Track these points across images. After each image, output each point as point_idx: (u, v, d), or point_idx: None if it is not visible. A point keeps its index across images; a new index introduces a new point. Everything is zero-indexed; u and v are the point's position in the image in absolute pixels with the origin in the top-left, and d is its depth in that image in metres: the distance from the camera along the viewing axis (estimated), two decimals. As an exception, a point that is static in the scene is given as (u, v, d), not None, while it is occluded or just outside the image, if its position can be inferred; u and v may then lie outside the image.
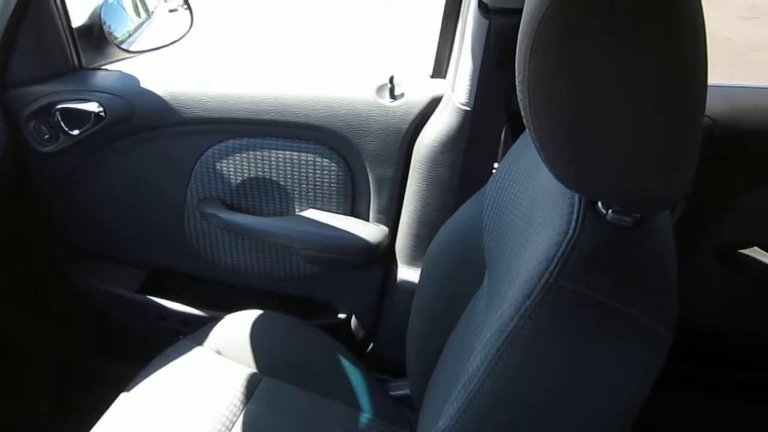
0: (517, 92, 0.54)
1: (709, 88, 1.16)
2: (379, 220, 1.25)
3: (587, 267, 0.57)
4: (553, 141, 0.54)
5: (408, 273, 1.23)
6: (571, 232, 0.59)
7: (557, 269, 0.56)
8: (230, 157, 1.25)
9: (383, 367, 1.28)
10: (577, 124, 0.52)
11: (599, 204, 0.60)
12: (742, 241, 1.16)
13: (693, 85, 0.49)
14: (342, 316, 1.35)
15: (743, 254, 1.15)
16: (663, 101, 0.49)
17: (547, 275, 0.56)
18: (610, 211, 0.60)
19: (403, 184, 1.20)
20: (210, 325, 1.15)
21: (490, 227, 0.83)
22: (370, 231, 1.23)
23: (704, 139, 1.09)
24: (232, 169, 1.26)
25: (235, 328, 1.13)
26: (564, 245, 0.58)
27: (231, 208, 1.28)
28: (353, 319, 1.35)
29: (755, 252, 1.15)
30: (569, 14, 0.47)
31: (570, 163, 0.55)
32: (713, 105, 1.08)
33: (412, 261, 1.23)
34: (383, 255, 1.25)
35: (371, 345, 1.35)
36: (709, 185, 1.13)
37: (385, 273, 1.28)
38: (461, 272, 0.91)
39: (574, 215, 0.60)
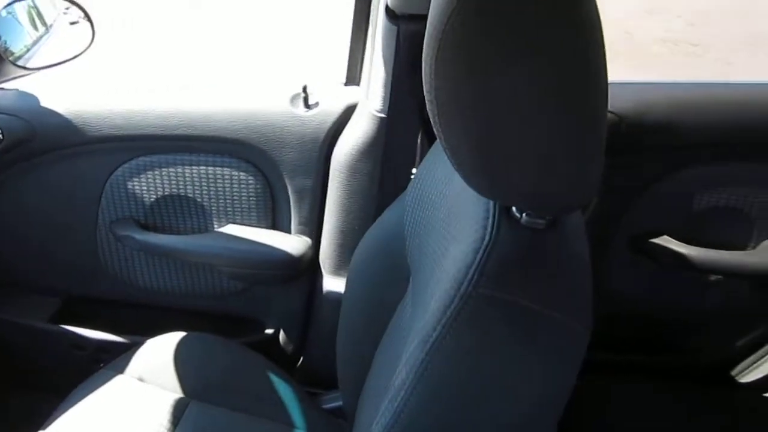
0: (426, 100, 0.54)
1: (613, 85, 1.20)
2: (301, 232, 1.23)
3: (504, 272, 0.57)
4: (462, 148, 0.55)
5: (334, 283, 1.22)
6: (487, 238, 0.59)
7: (475, 277, 0.56)
8: (142, 176, 1.20)
9: (315, 380, 1.26)
10: (485, 131, 0.52)
11: (513, 208, 0.61)
12: (653, 230, 1.20)
13: (595, 87, 0.50)
14: (269, 331, 1.32)
15: (654, 243, 1.20)
16: (567, 105, 0.49)
17: (465, 283, 0.56)
18: (524, 214, 0.61)
19: (324, 193, 1.19)
20: (131, 352, 1.10)
21: (411, 233, 0.83)
22: (292, 243, 1.21)
23: (611, 134, 1.13)
24: (144, 188, 1.21)
25: (158, 353, 1.09)
26: (481, 252, 0.58)
27: (146, 228, 1.24)
28: (281, 334, 1.32)
29: (665, 240, 1.20)
30: (471, 21, 0.47)
31: (480, 170, 0.55)
32: (618, 101, 1.12)
33: (337, 271, 1.21)
34: (307, 267, 1.23)
35: (301, 359, 1.33)
36: (619, 178, 1.17)
37: (311, 285, 1.27)
38: (386, 279, 0.91)
39: (490, 220, 0.61)
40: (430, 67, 0.51)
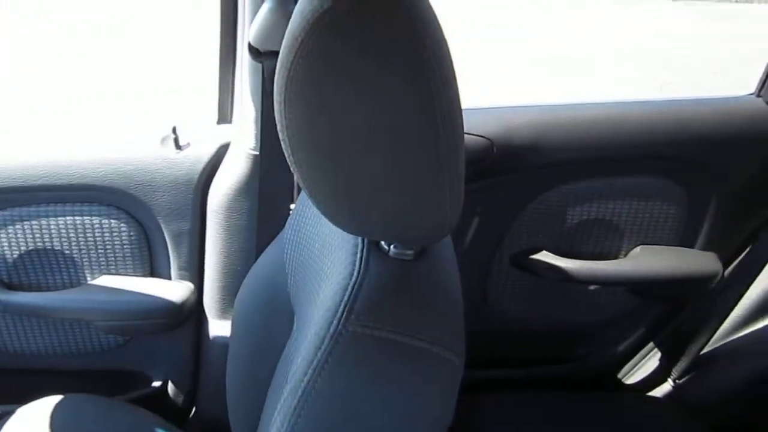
0: (281, 141, 0.53)
1: (483, 110, 1.24)
2: (182, 277, 1.18)
3: (374, 307, 0.57)
4: (319, 189, 0.54)
5: (220, 328, 1.17)
6: (356, 274, 0.58)
7: (344, 315, 0.55)
8: (2, 231, 1.11)
9: (209, 430, 1.21)
10: (340, 171, 0.51)
11: (382, 241, 0.61)
12: (532, 247, 1.25)
13: (447, 120, 0.50)
14: (157, 384, 1.26)
15: (534, 259, 1.24)
16: (420, 142, 0.49)
17: (335, 323, 0.55)
18: (391, 246, 0.60)
19: (203, 236, 1.15)
20: (1, 423, 1.01)
21: (291, 272, 0.81)
22: (173, 290, 1.16)
23: (484, 158, 1.17)
24: (6, 244, 1.12)
25: (33, 421, 1.00)
26: (350, 289, 0.57)
27: (11, 287, 1.15)
28: (170, 386, 1.26)
29: (544, 255, 1.24)
30: (316, 63, 0.47)
31: (340, 208, 0.55)
32: (489, 126, 1.16)
33: (223, 314, 1.17)
34: (192, 313, 1.18)
35: (193, 410, 1.27)
36: (497, 199, 1.21)
37: (197, 331, 1.22)
38: (271, 321, 0.88)
39: (358, 255, 0.60)
40: (281, 106, 0.50)
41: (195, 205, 1.13)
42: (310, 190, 0.54)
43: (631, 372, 1.41)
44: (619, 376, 1.42)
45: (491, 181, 1.18)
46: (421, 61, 0.47)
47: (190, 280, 1.18)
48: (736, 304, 1.25)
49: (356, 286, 0.57)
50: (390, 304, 0.58)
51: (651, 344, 1.39)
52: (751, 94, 1.24)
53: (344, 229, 0.58)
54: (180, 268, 1.17)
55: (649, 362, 1.39)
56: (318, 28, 0.46)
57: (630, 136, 1.19)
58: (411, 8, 0.47)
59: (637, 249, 1.26)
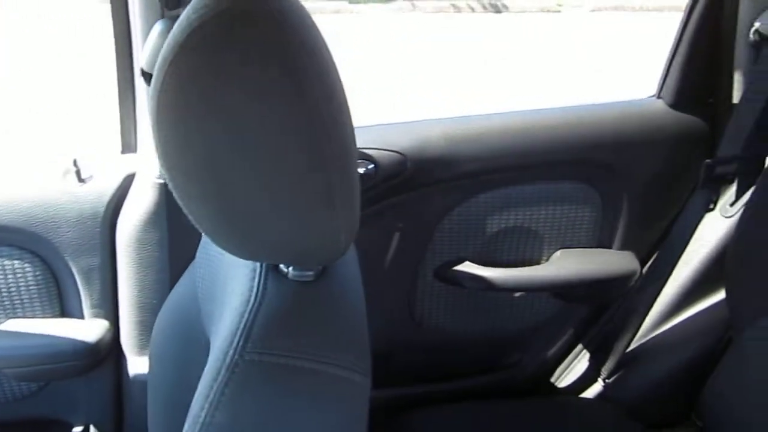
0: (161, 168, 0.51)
1: (396, 125, 1.24)
2: (96, 315, 1.13)
3: (272, 332, 0.55)
4: (203, 215, 0.52)
5: (140, 364, 1.13)
6: (252, 299, 0.56)
7: (241, 343, 0.53)
8: None
9: None
10: (222, 196, 0.49)
11: (280, 264, 0.59)
12: (455, 258, 1.25)
13: (334, 138, 0.49)
14: (78, 430, 1.20)
15: (457, 270, 1.24)
16: (302, 162, 0.48)
17: (231, 352, 0.53)
18: (290, 268, 0.59)
19: (114, 271, 1.11)
20: None
21: (203, 301, 0.78)
22: (86, 329, 1.11)
23: (399, 173, 1.17)
24: None
25: None
26: (246, 316, 0.55)
27: None
28: (92, 430, 1.20)
29: (467, 266, 1.24)
30: (185, 86, 0.45)
31: (228, 234, 0.53)
32: (402, 141, 1.16)
33: (142, 351, 1.13)
34: (109, 352, 1.14)
35: None
36: (414, 214, 1.20)
37: (117, 370, 1.17)
38: (188, 354, 0.85)
39: (256, 280, 0.58)
40: (154, 130, 0.48)
41: (103, 239, 1.08)
42: (195, 216, 0.52)
43: (564, 375, 1.43)
44: (552, 380, 1.44)
45: (408, 196, 1.18)
46: (295, 81, 0.46)
47: (105, 318, 1.13)
48: (654, 300, 1.27)
49: (253, 313, 0.55)
50: (289, 329, 0.56)
51: (580, 346, 1.41)
52: (653, 96, 1.28)
53: (235, 254, 0.56)
54: (93, 306, 1.13)
55: (579, 364, 1.41)
56: (187, 48, 0.44)
57: (542, 143, 1.21)
58: (285, 30, 0.45)
59: (558, 253, 1.28)
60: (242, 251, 0.55)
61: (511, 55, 6.07)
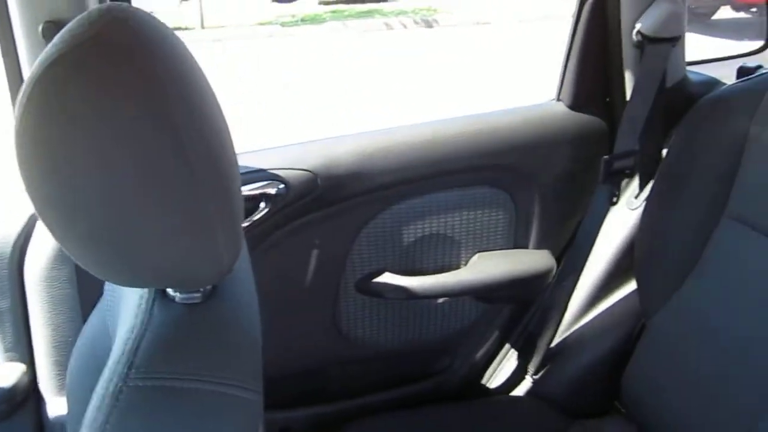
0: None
1: (304, 144, 1.25)
2: (11, 359, 1.11)
3: (158, 357, 0.55)
4: (78, 245, 0.52)
5: (59, 405, 1.11)
6: (138, 326, 0.57)
7: (125, 370, 0.53)
8: None
9: None
10: (94, 227, 0.50)
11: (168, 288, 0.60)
12: (375, 270, 1.27)
13: (205, 161, 0.49)
14: None
15: (378, 282, 1.26)
16: (172, 187, 0.49)
17: (115, 380, 0.53)
18: (177, 292, 0.59)
19: (25, 312, 1.09)
20: None
21: (112, 333, 0.78)
22: (2, 374, 1.09)
23: (310, 191, 1.18)
24: None
25: None
26: (131, 343, 0.55)
27: None
28: None
29: (387, 277, 1.26)
30: (43, 123, 0.46)
31: (106, 264, 0.53)
32: (311, 159, 1.17)
33: (61, 391, 1.11)
34: (27, 395, 1.11)
35: None
36: (330, 230, 1.22)
37: (36, 414, 1.14)
38: None
39: (143, 307, 0.59)
40: (18, 160, 0.48)
41: (12, 280, 1.06)
42: (63, 243, 0.53)
43: (494, 376, 1.45)
44: (483, 381, 1.46)
45: (322, 212, 1.19)
46: (159, 113, 0.47)
47: (20, 361, 1.11)
48: (571, 295, 1.32)
49: (137, 339, 0.55)
50: (175, 352, 0.56)
51: (507, 346, 1.44)
52: (553, 99, 1.33)
53: (115, 282, 0.57)
54: (7, 350, 1.10)
55: (508, 363, 1.44)
56: (46, 76, 0.45)
57: (451, 151, 1.25)
58: (147, 62, 0.46)
59: (475, 257, 1.32)
60: (120, 277, 0.56)
61: (447, 65, 6.22)
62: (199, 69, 0.53)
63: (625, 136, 1.20)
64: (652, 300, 1.20)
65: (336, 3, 10.53)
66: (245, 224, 1.13)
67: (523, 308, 1.41)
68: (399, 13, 9.75)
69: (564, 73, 1.29)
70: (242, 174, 1.12)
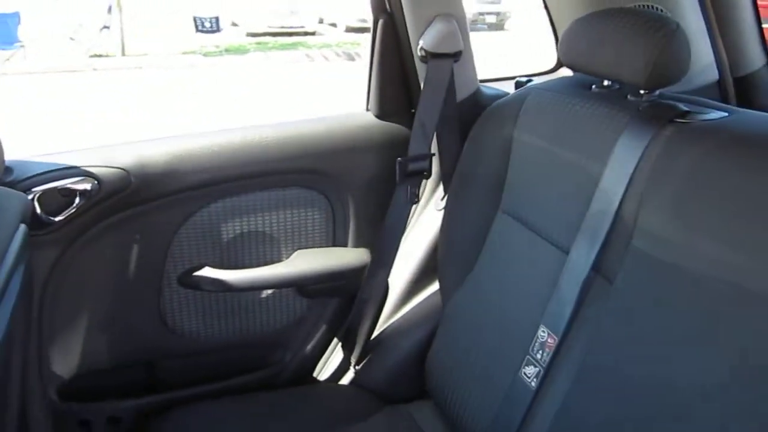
0: None
1: (119, 145, 1.33)
2: None
3: None
4: None
5: None
6: None
7: None
8: None
9: None
10: None
11: None
12: (196, 265, 1.36)
13: None
14: None
15: (198, 275, 1.35)
16: None
17: None
18: None
19: None
20: None
21: None
22: None
23: (122, 188, 1.26)
24: None
25: None
26: None
27: None
28: None
29: (207, 271, 1.36)
30: None
31: None
32: (125, 158, 1.26)
33: None
34: None
35: None
36: (148, 225, 1.31)
37: None
38: None
39: None
40: None
41: None
42: None
43: (324, 368, 1.55)
44: (315, 374, 1.56)
45: (138, 209, 1.28)
46: None
47: None
48: (383, 290, 1.44)
49: None
50: None
51: (335, 340, 1.55)
52: (364, 109, 1.47)
53: None
54: None
55: (335, 356, 1.54)
56: None
57: (266, 154, 1.36)
58: None
59: (295, 254, 1.43)
60: None
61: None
62: None
63: (417, 140, 1.34)
64: (447, 289, 1.33)
65: (263, 35, 10.69)
66: (60, 218, 1.20)
67: (346, 304, 1.52)
68: (322, 46, 9.97)
69: (368, 85, 1.43)
70: (58, 170, 1.22)
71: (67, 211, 1.21)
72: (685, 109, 0.98)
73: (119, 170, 1.24)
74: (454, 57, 1.32)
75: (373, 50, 1.39)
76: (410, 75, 1.39)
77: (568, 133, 1.10)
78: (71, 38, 9.31)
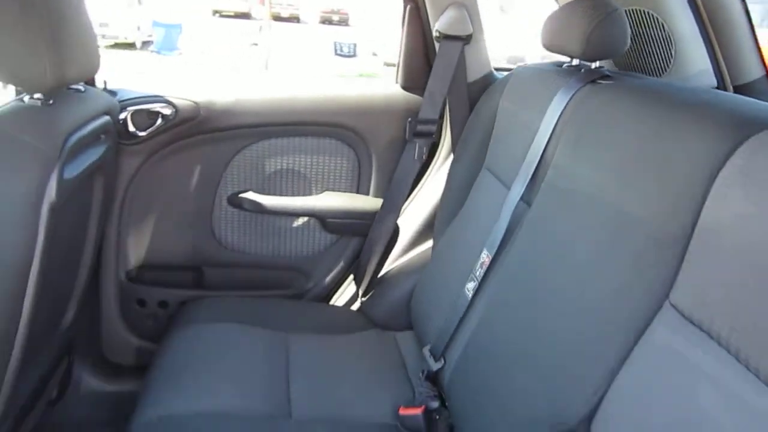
0: None
1: (196, 80, 1.72)
2: None
3: None
4: None
5: None
6: None
7: None
8: None
9: None
10: None
11: None
12: (242, 189, 1.71)
13: None
14: None
15: (243, 197, 1.70)
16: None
17: None
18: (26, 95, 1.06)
19: None
20: None
21: None
22: None
23: (193, 117, 1.65)
24: None
25: None
26: None
27: None
28: None
29: (250, 195, 1.70)
30: None
31: None
32: (198, 94, 1.63)
33: None
34: None
35: None
36: (210, 151, 1.67)
37: None
38: None
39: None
40: None
41: None
42: None
43: (339, 297, 1.84)
44: (332, 300, 1.85)
45: (203, 137, 1.65)
46: None
47: None
48: (392, 234, 1.71)
49: None
50: None
51: (348, 274, 1.83)
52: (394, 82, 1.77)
53: None
54: None
55: (349, 288, 1.83)
56: None
57: (308, 107, 1.70)
58: None
59: (324, 193, 1.74)
60: None
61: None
62: None
63: (427, 106, 1.62)
64: (436, 238, 1.59)
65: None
66: (144, 133, 1.59)
67: (361, 246, 1.80)
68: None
69: (398, 63, 1.73)
70: (148, 97, 1.60)
71: (150, 128, 1.59)
72: (608, 74, 1.20)
73: (192, 102, 1.61)
74: (465, 40, 1.59)
75: (402, 33, 1.70)
76: (430, 54, 1.68)
77: (530, 97, 1.34)
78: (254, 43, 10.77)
